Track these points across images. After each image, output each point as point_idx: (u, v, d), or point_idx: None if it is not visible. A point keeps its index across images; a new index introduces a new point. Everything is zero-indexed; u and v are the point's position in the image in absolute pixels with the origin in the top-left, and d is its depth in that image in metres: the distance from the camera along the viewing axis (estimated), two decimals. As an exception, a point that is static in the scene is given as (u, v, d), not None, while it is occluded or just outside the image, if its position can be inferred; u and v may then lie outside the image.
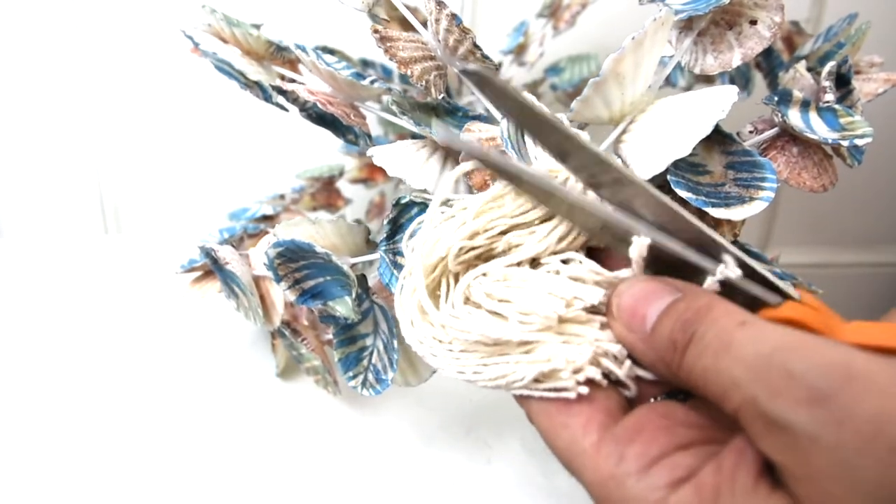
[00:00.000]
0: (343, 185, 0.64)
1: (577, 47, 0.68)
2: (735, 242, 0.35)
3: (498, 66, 0.64)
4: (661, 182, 0.32)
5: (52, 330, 0.52)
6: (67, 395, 0.44)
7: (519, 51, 0.64)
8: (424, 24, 0.38)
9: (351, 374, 0.40)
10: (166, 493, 0.37)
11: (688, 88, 0.61)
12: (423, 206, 0.34)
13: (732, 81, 0.54)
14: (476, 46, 0.35)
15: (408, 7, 0.50)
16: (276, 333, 0.45)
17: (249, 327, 0.52)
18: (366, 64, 0.62)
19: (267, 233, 0.51)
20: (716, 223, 0.32)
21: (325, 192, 0.62)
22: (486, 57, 0.36)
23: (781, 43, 0.51)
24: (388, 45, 0.34)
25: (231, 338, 0.52)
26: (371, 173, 0.63)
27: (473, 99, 0.38)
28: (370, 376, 0.40)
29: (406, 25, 0.42)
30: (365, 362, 0.40)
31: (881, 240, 0.82)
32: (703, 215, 0.31)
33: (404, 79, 0.41)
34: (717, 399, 0.18)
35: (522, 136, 0.33)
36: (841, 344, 0.18)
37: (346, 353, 0.40)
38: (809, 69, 0.40)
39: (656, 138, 0.31)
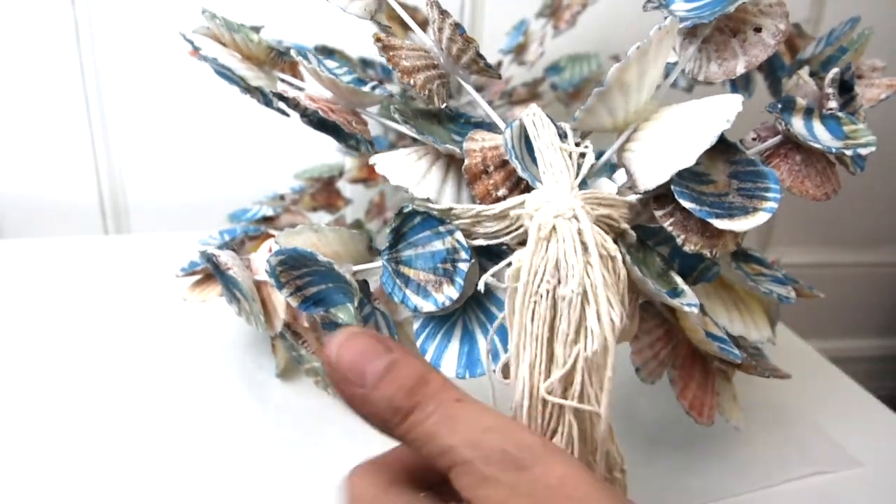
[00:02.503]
0: (343, 185, 0.64)
1: (578, 46, 0.67)
2: (737, 248, 0.35)
3: (497, 66, 0.64)
4: (664, 191, 0.32)
5: (52, 330, 0.52)
6: (68, 396, 0.44)
7: (519, 50, 0.63)
8: (425, 23, 0.37)
9: (352, 378, 0.40)
10: (166, 492, 0.37)
11: (689, 89, 0.61)
12: (426, 216, 0.33)
13: (733, 82, 0.54)
14: (479, 56, 0.35)
15: (407, 6, 0.50)
16: (276, 335, 0.45)
17: (249, 327, 0.52)
18: (365, 63, 0.61)
19: (268, 235, 0.51)
20: (718, 234, 0.32)
21: (325, 193, 0.62)
22: (489, 66, 0.36)
23: (783, 45, 0.51)
24: (391, 54, 0.34)
25: (231, 338, 0.52)
26: (371, 173, 0.63)
27: (472, 99, 0.38)
28: (371, 381, 0.40)
29: (407, 26, 0.41)
30: (366, 367, 0.40)
31: (881, 240, 0.83)
32: (705, 225, 0.31)
33: (406, 82, 0.41)
34: (431, 457, 0.23)
35: (527, 146, 0.33)
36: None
37: (347, 357, 0.40)
38: (812, 74, 0.40)
39: (661, 148, 0.31)
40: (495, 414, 0.24)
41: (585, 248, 0.28)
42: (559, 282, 0.28)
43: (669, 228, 0.32)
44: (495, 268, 0.30)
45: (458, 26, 0.34)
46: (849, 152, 0.33)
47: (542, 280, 0.28)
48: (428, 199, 0.33)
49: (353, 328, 0.25)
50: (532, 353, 0.28)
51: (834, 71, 0.36)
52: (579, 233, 0.28)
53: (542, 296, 0.28)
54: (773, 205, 0.31)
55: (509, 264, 0.29)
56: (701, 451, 0.43)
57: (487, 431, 0.23)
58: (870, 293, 0.87)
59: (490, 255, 0.34)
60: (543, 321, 0.28)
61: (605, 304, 0.27)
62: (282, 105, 0.39)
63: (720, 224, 0.30)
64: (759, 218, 0.30)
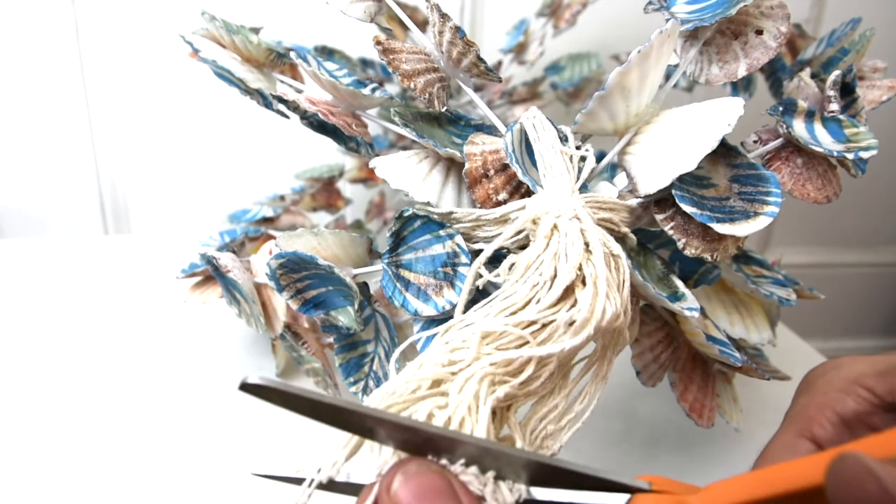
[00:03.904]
0: (343, 185, 0.64)
1: (578, 46, 0.67)
2: (738, 251, 0.35)
3: (497, 65, 0.64)
4: (665, 195, 0.32)
5: (52, 330, 0.52)
6: (68, 395, 0.44)
7: (519, 49, 0.63)
8: (425, 22, 0.37)
9: (352, 379, 0.40)
10: (166, 492, 0.37)
11: (689, 89, 0.61)
12: (426, 219, 0.33)
13: (734, 83, 0.54)
14: (480, 59, 0.35)
15: (407, 6, 0.50)
16: (276, 336, 0.45)
17: (249, 328, 0.52)
18: (365, 63, 0.61)
19: (268, 236, 0.51)
20: (719, 238, 0.32)
21: (325, 193, 0.62)
22: (489, 70, 0.36)
23: (784, 45, 0.51)
24: (391, 57, 0.34)
25: (231, 338, 0.52)
26: (371, 173, 0.63)
27: (472, 99, 0.38)
28: (371, 383, 0.40)
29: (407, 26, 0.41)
30: (366, 368, 0.40)
31: (881, 240, 0.83)
32: (706, 229, 0.31)
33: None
34: None
35: (527, 149, 0.33)
36: None
37: (346, 358, 0.40)
38: (813, 76, 0.40)
39: (662, 152, 0.31)
40: None
41: (588, 247, 0.28)
42: (555, 275, 0.27)
43: (670, 232, 0.32)
44: (483, 257, 0.30)
45: (458, 29, 0.34)
46: (850, 155, 0.32)
47: (539, 273, 0.28)
48: (428, 203, 0.33)
49: (418, 460, 0.22)
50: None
51: (835, 73, 0.36)
52: (582, 232, 0.28)
53: (535, 284, 0.27)
54: (774, 209, 0.31)
55: (510, 263, 0.29)
56: (702, 453, 0.43)
57: None
58: (870, 293, 0.87)
59: (491, 260, 0.34)
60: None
61: (603, 292, 0.27)
62: (281, 107, 0.39)
63: (721, 229, 0.30)
64: (761, 222, 0.30)
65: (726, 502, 0.21)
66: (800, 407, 0.27)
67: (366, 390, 0.39)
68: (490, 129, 0.37)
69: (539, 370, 0.26)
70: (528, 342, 0.26)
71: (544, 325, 0.26)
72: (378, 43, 0.35)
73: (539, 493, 0.22)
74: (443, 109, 0.36)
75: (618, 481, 0.22)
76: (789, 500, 0.20)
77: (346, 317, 0.37)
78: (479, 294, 0.35)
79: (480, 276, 0.31)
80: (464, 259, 0.33)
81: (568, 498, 0.23)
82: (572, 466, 0.22)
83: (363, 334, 0.40)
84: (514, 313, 0.27)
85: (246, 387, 0.20)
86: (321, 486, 0.23)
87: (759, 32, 0.34)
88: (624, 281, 0.29)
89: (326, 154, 0.65)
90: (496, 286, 0.30)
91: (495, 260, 0.33)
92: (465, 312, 0.30)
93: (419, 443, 0.22)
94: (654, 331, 0.37)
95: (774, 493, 0.20)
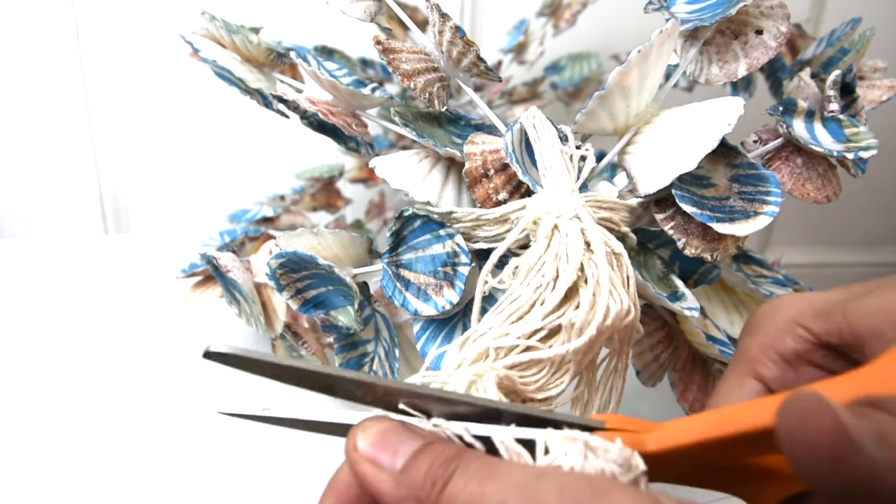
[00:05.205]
0: (343, 185, 0.64)
1: (578, 46, 0.67)
2: (738, 250, 0.35)
3: (497, 65, 0.64)
4: (665, 194, 0.32)
5: (51, 330, 0.52)
6: (67, 395, 0.44)
7: (519, 49, 0.63)
8: (425, 22, 0.37)
9: (352, 379, 0.40)
10: (165, 492, 0.37)
11: (689, 88, 0.61)
12: (426, 219, 0.33)
13: (734, 83, 0.54)
14: (480, 59, 0.35)
15: (407, 6, 0.50)
16: (276, 336, 0.45)
17: (249, 328, 0.52)
18: (365, 63, 0.61)
19: (268, 236, 0.51)
20: (719, 237, 0.32)
21: (326, 193, 0.62)
22: (489, 69, 0.36)
23: (784, 45, 0.51)
24: (391, 57, 0.34)
25: (231, 338, 0.52)
26: (371, 173, 0.63)
27: (471, 98, 0.38)
28: (372, 382, 0.40)
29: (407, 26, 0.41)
30: (366, 368, 0.40)
31: (881, 240, 0.82)
32: (706, 229, 0.31)
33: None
34: None
35: (527, 149, 0.33)
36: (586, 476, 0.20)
37: (346, 358, 0.40)
38: (813, 75, 0.40)
39: (662, 152, 0.31)
40: (541, 466, 0.22)
41: (589, 246, 0.28)
42: (557, 275, 0.28)
43: (670, 232, 0.32)
44: (489, 263, 0.30)
45: (458, 29, 0.34)
46: (850, 155, 0.32)
47: (541, 275, 0.28)
48: (428, 203, 0.33)
49: (377, 416, 0.23)
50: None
51: (835, 73, 0.36)
52: (582, 232, 0.28)
53: (538, 286, 0.28)
54: (774, 209, 0.31)
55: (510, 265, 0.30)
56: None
57: (540, 477, 0.20)
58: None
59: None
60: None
61: (606, 291, 0.27)
62: (281, 107, 0.39)
63: (721, 228, 0.30)
64: (761, 222, 0.30)
65: (681, 441, 0.22)
66: (744, 348, 0.28)
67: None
68: (490, 129, 0.37)
69: (551, 370, 0.27)
70: (537, 349, 0.27)
71: (552, 332, 0.27)
72: (378, 43, 0.35)
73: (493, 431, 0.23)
74: (443, 109, 0.36)
75: (571, 421, 0.23)
76: (742, 440, 0.21)
77: (346, 316, 0.37)
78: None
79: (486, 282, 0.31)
80: (464, 259, 0.33)
81: (523, 436, 0.23)
82: (524, 409, 0.23)
83: (363, 334, 0.40)
84: (520, 317, 0.28)
85: (209, 355, 0.23)
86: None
87: (759, 32, 0.34)
88: (629, 277, 0.29)
89: (326, 154, 0.64)
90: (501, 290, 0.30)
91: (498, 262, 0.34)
92: (461, 309, 0.31)
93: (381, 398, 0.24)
94: (654, 331, 0.37)
95: (728, 433, 0.21)
